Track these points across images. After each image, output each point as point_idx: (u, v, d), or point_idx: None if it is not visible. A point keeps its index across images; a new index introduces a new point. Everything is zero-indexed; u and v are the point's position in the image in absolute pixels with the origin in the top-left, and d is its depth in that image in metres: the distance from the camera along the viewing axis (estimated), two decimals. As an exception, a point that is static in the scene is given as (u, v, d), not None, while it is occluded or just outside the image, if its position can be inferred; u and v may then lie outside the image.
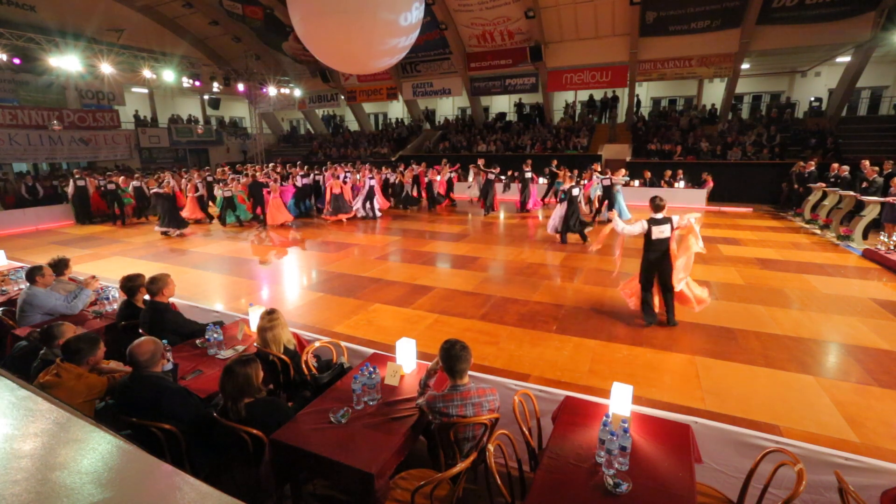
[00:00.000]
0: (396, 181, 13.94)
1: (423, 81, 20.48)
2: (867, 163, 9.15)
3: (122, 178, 12.87)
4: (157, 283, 3.75)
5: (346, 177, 12.89)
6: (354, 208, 12.11)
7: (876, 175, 8.86)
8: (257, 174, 12.25)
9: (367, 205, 12.19)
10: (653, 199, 4.72)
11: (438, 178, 14.12)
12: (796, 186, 11.99)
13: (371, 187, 12.19)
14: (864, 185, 8.95)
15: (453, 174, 14.91)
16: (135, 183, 12.77)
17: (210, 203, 12.85)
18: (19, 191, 13.45)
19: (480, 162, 13.25)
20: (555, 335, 4.70)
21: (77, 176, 13.18)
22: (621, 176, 10.68)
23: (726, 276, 6.59)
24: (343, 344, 3.67)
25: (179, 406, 2.57)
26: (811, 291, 5.95)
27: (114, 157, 19.72)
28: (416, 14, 4.99)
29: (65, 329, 3.17)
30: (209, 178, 13.61)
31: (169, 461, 1.15)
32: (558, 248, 8.53)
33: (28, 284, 4.25)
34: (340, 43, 4.78)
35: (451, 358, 2.46)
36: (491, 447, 2.17)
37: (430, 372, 2.69)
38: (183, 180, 13.33)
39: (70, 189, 12.67)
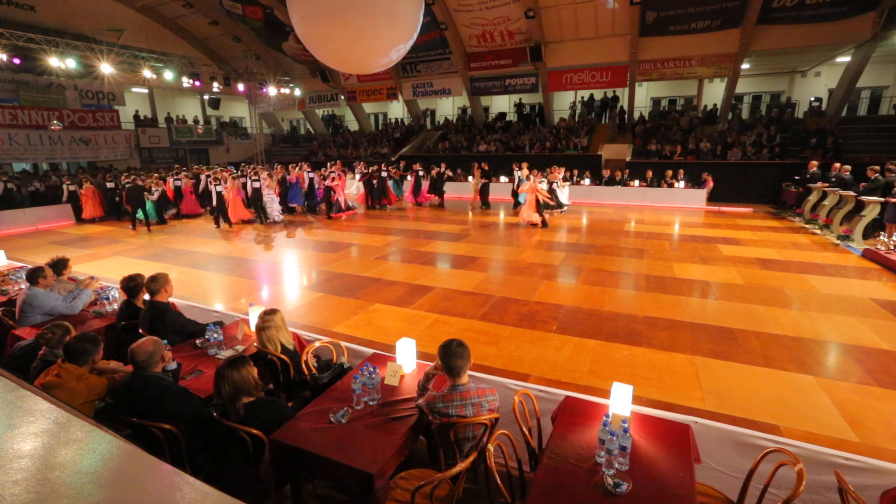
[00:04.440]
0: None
1: (423, 81, 20.48)
2: (877, 168, 9.06)
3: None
4: (157, 283, 3.75)
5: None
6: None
7: (877, 175, 8.85)
8: (145, 178, 12.50)
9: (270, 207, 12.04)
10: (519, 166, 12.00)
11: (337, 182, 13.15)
12: (799, 189, 11.95)
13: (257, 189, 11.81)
14: (864, 185, 8.94)
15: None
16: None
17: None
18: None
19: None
20: (555, 335, 4.70)
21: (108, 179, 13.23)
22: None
23: (726, 276, 6.59)
24: (343, 344, 3.66)
25: (180, 406, 2.57)
26: (811, 291, 5.95)
27: (114, 157, 19.69)
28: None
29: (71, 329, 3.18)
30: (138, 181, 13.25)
31: (169, 461, 1.15)
32: (558, 248, 8.55)
33: (28, 285, 4.25)
34: (340, 43, 4.77)
35: (449, 354, 2.46)
36: (491, 447, 2.17)
37: (429, 375, 2.68)
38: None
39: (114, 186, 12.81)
